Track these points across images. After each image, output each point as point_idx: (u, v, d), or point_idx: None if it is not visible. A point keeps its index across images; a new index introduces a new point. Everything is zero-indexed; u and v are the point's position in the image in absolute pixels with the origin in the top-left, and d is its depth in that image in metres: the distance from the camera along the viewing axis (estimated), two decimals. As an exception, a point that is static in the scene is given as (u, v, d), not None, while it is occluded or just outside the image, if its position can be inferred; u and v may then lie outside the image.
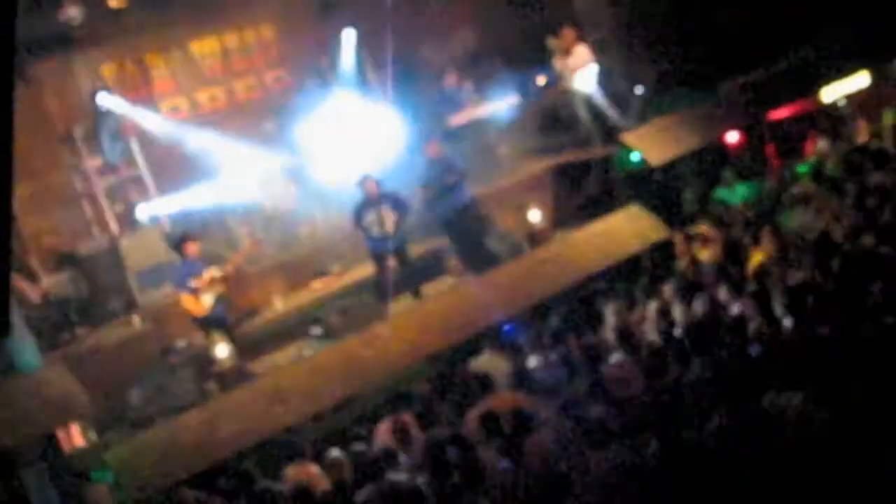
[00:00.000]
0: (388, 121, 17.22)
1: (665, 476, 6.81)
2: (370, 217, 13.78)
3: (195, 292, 12.86)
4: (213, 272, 12.90)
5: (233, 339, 13.04)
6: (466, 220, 14.84)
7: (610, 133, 16.28)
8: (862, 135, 16.96)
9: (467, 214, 14.80)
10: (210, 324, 12.99)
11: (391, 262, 14.05)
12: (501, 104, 17.03)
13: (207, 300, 12.90)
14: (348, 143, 16.49)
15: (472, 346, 12.09)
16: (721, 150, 17.54)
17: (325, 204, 16.00)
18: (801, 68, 17.78)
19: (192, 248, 13.10)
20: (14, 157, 3.09)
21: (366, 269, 14.65)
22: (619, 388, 9.05)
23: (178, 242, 13.37)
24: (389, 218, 13.77)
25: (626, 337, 10.12)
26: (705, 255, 13.23)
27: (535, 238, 14.44)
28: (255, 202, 16.22)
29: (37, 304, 13.62)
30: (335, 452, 10.12)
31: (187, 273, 12.97)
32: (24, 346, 12.21)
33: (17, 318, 12.00)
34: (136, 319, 14.19)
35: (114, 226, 15.62)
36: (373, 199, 13.86)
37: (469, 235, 14.89)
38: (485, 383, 10.23)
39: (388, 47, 18.70)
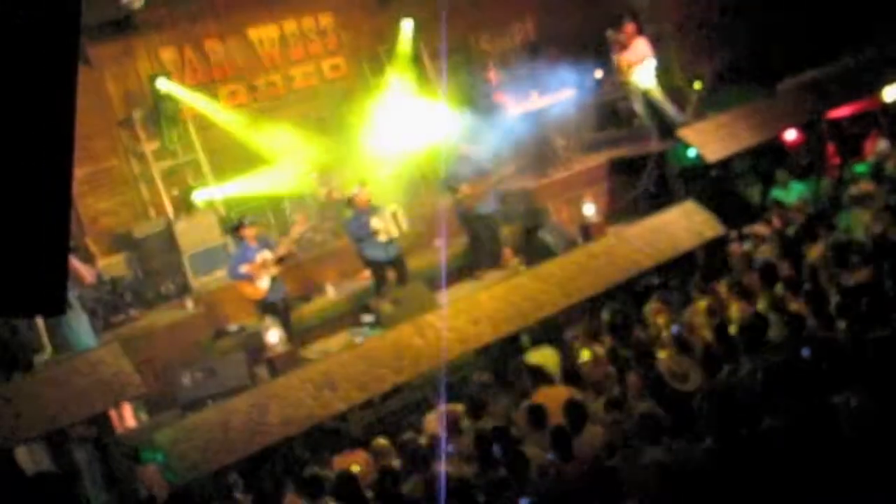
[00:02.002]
0: (443, 111, 17.26)
1: (718, 473, 6.76)
2: (376, 223, 13.65)
3: (249, 278, 12.91)
4: (265, 255, 12.94)
5: (289, 323, 13.12)
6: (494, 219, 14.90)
7: (667, 128, 16.18)
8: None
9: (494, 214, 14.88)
10: (269, 306, 13.06)
11: (391, 274, 14.02)
12: (559, 97, 16.95)
13: (264, 283, 12.95)
14: (403, 131, 16.51)
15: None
16: (779, 148, 17.38)
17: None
18: (863, 67, 17.58)
19: (249, 233, 13.12)
20: (75, 139, 3.12)
21: (418, 259, 14.68)
22: (675, 383, 9.00)
23: (235, 227, 13.42)
24: (395, 222, 13.68)
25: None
26: (760, 253, 13.12)
27: (589, 231, 14.37)
28: (309, 189, 16.29)
29: (92, 285, 13.75)
30: (383, 441, 10.14)
31: (239, 260, 13.00)
32: (80, 327, 12.38)
33: (72, 298, 12.18)
34: (189, 302, 14.29)
35: (169, 209, 15.74)
36: (369, 208, 13.78)
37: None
38: (537, 376, 10.19)
39: (445, 38, 18.70)
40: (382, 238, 13.63)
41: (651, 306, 12.02)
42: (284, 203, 16.14)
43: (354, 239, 13.91)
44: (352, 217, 13.90)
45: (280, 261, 13.12)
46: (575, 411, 8.68)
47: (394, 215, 13.70)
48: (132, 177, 15.97)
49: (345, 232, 14.12)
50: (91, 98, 14.92)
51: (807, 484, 6.26)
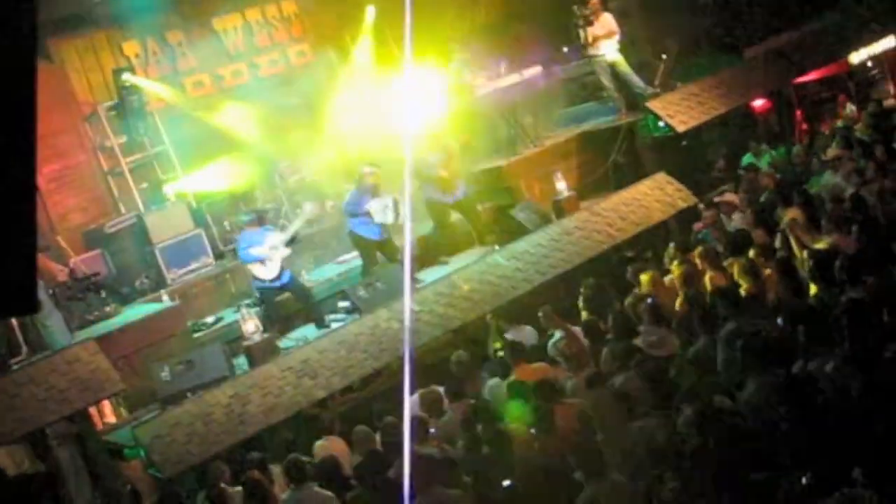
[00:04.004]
0: (409, 96, 17.23)
1: (699, 445, 6.78)
2: (376, 204, 13.68)
3: (261, 261, 12.92)
4: (274, 237, 12.99)
5: (308, 296, 13.50)
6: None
7: (635, 100, 16.20)
8: (891, 97, 16.84)
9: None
10: (278, 289, 13.10)
11: (379, 254, 14.09)
12: (526, 73, 16.93)
13: (274, 266, 12.96)
14: (369, 117, 16.46)
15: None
16: (748, 115, 17.43)
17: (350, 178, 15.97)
18: (828, 32, 17.65)
19: (262, 222, 13.29)
20: (37, 136, 3.09)
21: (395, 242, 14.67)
22: (652, 350, 9.02)
23: (253, 219, 13.40)
24: (394, 210, 13.74)
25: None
26: (733, 222, 13.17)
27: (562, 207, 14.37)
28: (280, 176, 16.26)
29: (65, 283, 13.67)
30: (363, 427, 10.14)
31: (248, 244, 13.01)
32: (54, 326, 12.32)
33: (45, 297, 12.10)
34: (164, 296, 14.23)
35: (140, 203, 15.65)
36: (377, 189, 13.84)
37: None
38: (515, 352, 10.19)
39: (410, 21, 18.58)
40: (376, 220, 13.66)
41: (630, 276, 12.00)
42: (255, 192, 16.08)
43: (348, 213, 13.89)
44: (352, 193, 13.88)
45: (291, 242, 13.19)
46: (548, 388, 8.73)
47: (395, 203, 13.71)
48: (100, 172, 15.87)
49: (342, 206, 14.11)
50: (54, 94, 14.81)
51: (787, 451, 6.29)
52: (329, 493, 8.79)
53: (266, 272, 13.03)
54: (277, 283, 13.13)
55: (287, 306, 13.92)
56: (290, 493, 9.07)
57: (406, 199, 13.78)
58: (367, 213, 13.62)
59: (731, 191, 14.85)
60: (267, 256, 12.92)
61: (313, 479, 8.99)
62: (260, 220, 13.42)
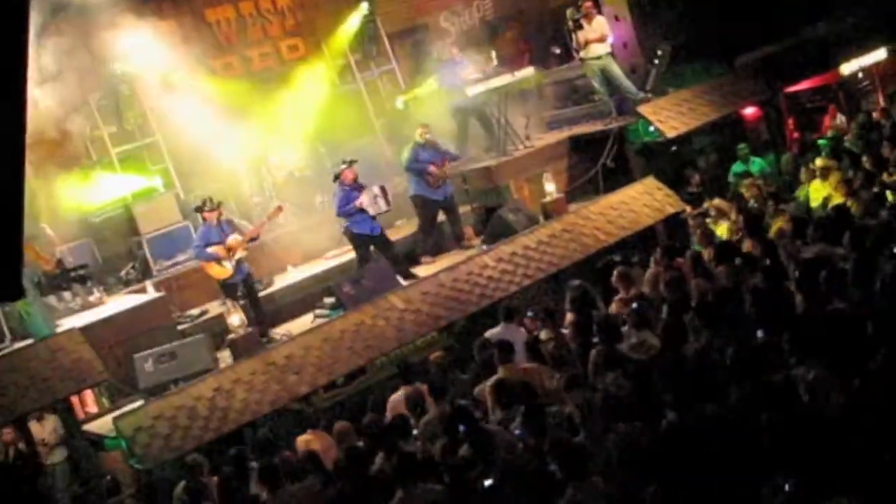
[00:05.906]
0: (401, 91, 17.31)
1: (680, 448, 6.79)
2: (366, 198, 13.65)
3: (217, 259, 12.80)
4: (235, 238, 12.85)
5: (258, 302, 13.19)
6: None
7: (626, 105, 16.21)
8: (880, 109, 16.90)
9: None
10: (236, 287, 12.98)
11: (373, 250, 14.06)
12: (518, 75, 16.94)
13: (229, 264, 12.85)
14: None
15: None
16: (738, 123, 17.46)
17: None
18: (819, 42, 17.70)
19: (210, 216, 13.01)
20: (27, 123, 3.08)
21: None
22: (637, 354, 9.01)
23: (198, 208, 13.27)
24: (383, 198, 13.73)
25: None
26: (720, 228, 13.19)
27: (550, 209, 14.39)
28: (269, 170, 16.23)
29: (51, 272, 13.62)
30: (343, 423, 10.12)
31: (204, 241, 12.89)
32: (39, 314, 12.28)
33: (30, 285, 12.06)
34: (150, 286, 14.19)
35: (129, 193, 15.60)
36: (357, 184, 13.83)
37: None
38: (502, 353, 10.16)
39: (403, 18, 18.65)
40: (371, 213, 13.64)
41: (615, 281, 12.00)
42: (244, 185, 16.05)
43: (343, 215, 13.85)
44: (340, 192, 13.84)
45: (251, 240, 13.08)
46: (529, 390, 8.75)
47: (382, 190, 13.70)
48: (90, 161, 15.81)
49: (333, 206, 14.07)
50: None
51: (770, 458, 6.29)
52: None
53: (220, 272, 12.93)
54: (232, 282, 13.04)
55: (269, 301, 13.92)
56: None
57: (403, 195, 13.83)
58: (361, 210, 13.61)
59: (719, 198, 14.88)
60: (223, 256, 12.82)
61: (293, 475, 8.96)
62: (216, 211, 13.14)
